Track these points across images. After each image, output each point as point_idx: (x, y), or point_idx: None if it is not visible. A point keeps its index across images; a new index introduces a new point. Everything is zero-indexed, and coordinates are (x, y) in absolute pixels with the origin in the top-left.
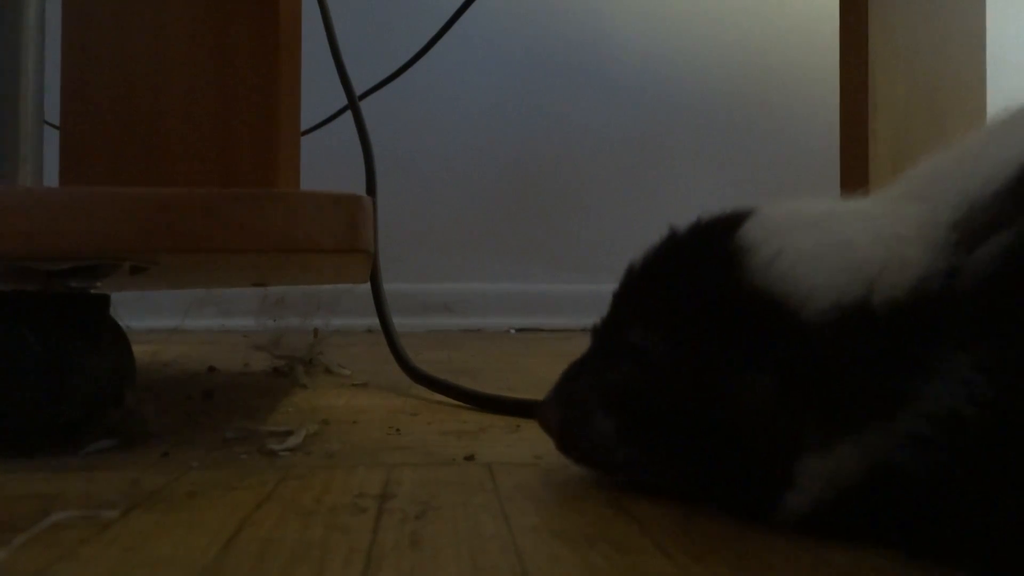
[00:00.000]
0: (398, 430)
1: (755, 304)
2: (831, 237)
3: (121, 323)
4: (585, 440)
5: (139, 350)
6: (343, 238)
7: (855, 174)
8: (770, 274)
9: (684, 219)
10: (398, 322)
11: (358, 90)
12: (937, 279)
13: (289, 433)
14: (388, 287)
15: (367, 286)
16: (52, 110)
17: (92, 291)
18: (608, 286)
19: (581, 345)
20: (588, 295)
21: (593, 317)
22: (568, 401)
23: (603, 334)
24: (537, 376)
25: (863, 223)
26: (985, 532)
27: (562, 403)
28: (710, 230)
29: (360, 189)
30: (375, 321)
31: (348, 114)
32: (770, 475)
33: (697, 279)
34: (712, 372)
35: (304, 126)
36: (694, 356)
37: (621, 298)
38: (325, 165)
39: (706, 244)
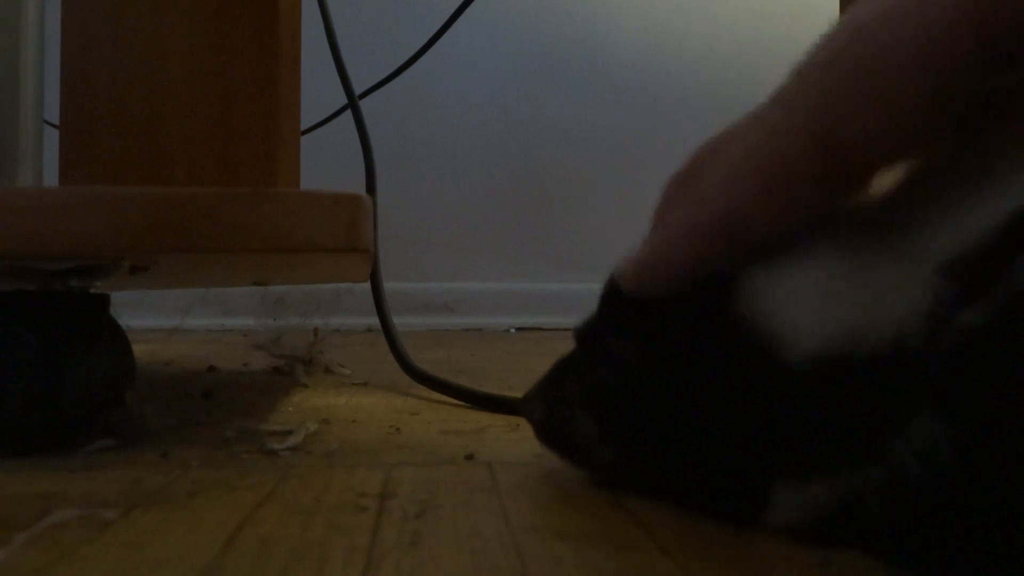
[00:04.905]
0: (398, 429)
1: (736, 334)
2: (814, 280)
3: (121, 323)
4: (567, 439)
5: (139, 350)
6: (343, 237)
7: None
8: (755, 308)
9: None
10: (398, 321)
11: (358, 89)
12: (919, 337)
13: (289, 432)
14: (388, 286)
15: (367, 285)
16: (52, 110)
17: (92, 291)
18: None
19: None
20: (588, 294)
21: None
22: (552, 397)
23: (587, 334)
24: (537, 375)
25: (848, 265)
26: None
27: (545, 398)
28: None
29: (360, 188)
30: (375, 320)
31: (348, 113)
32: (747, 493)
33: (676, 295)
34: (688, 392)
35: (304, 125)
36: (670, 373)
37: (604, 301)
38: (325, 164)
39: None
